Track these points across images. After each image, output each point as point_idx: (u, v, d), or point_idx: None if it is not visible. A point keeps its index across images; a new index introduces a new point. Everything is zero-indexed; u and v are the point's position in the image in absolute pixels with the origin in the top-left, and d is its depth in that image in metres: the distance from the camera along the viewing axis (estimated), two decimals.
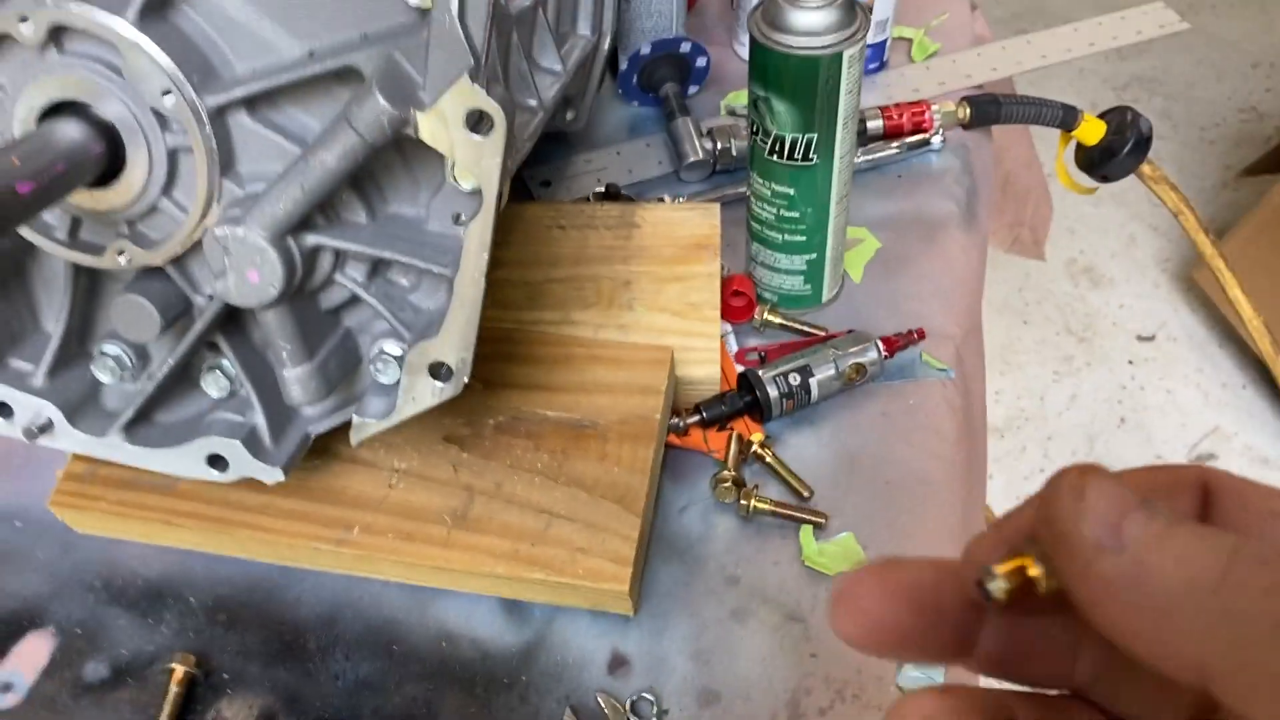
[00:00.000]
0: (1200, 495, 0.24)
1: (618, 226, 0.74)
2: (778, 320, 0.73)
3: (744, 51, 0.96)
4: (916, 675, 0.56)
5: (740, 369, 0.69)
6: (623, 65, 0.89)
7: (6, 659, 0.57)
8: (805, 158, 0.66)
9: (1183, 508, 0.24)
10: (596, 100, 0.85)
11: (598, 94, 0.83)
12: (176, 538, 0.61)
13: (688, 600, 0.60)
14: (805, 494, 0.64)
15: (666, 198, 0.82)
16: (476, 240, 0.47)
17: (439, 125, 0.44)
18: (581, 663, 0.57)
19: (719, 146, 0.84)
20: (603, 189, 0.82)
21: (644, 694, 0.55)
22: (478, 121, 0.43)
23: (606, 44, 0.77)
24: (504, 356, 0.65)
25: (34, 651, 0.58)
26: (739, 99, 0.91)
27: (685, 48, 0.88)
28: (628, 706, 0.55)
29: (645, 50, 0.87)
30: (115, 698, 0.56)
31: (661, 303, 0.69)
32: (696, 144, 0.84)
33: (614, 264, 0.71)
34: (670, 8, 0.88)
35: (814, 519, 0.62)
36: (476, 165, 0.45)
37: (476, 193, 0.47)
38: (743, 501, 0.63)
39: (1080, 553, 0.21)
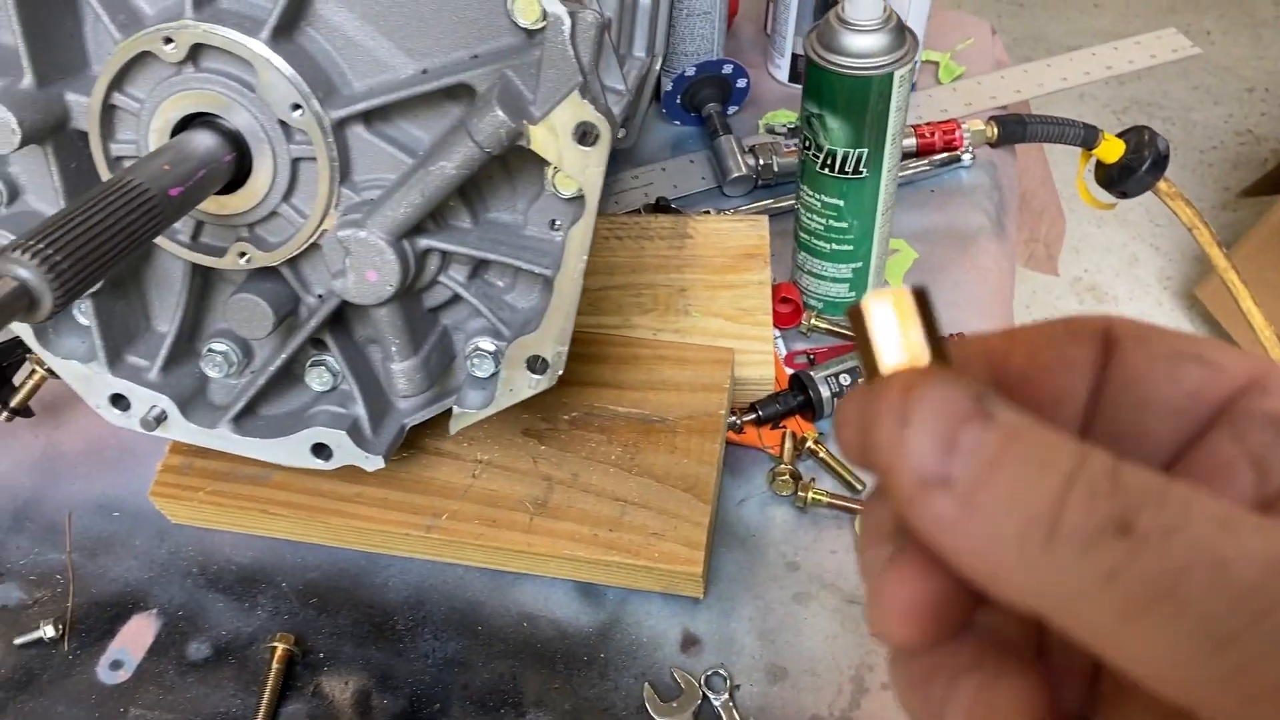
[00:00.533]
0: (1102, 344, 0.23)
1: (671, 237, 0.78)
2: (824, 325, 0.78)
3: (779, 73, 1.01)
4: None
5: (790, 371, 0.74)
6: (667, 86, 0.94)
7: (115, 639, 0.61)
8: (855, 171, 0.70)
9: (1083, 358, 0.23)
10: (643, 120, 0.89)
11: (645, 114, 0.87)
12: (271, 526, 0.64)
13: (752, 584, 0.64)
14: (858, 486, 0.68)
15: (711, 211, 0.86)
16: (578, 242, 0.51)
17: (549, 137, 0.48)
18: (655, 642, 0.61)
19: (760, 162, 0.88)
20: (652, 203, 0.86)
21: (717, 670, 0.59)
22: (584, 133, 0.48)
23: (659, 65, 0.82)
24: (574, 356, 0.68)
25: (140, 631, 0.61)
26: (777, 118, 0.96)
27: (727, 69, 0.93)
28: (702, 681, 0.59)
29: (689, 72, 0.92)
30: (219, 675, 0.59)
31: (715, 308, 0.73)
32: (740, 160, 0.88)
33: (669, 272, 0.76)
34: (712, 32, 0.93)
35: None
36: (581, 173, 0.49)
37: (575, 199, 0.51)
38: (800, 493, 0.67)
39: (904, 488, 0.19)
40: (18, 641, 0.60)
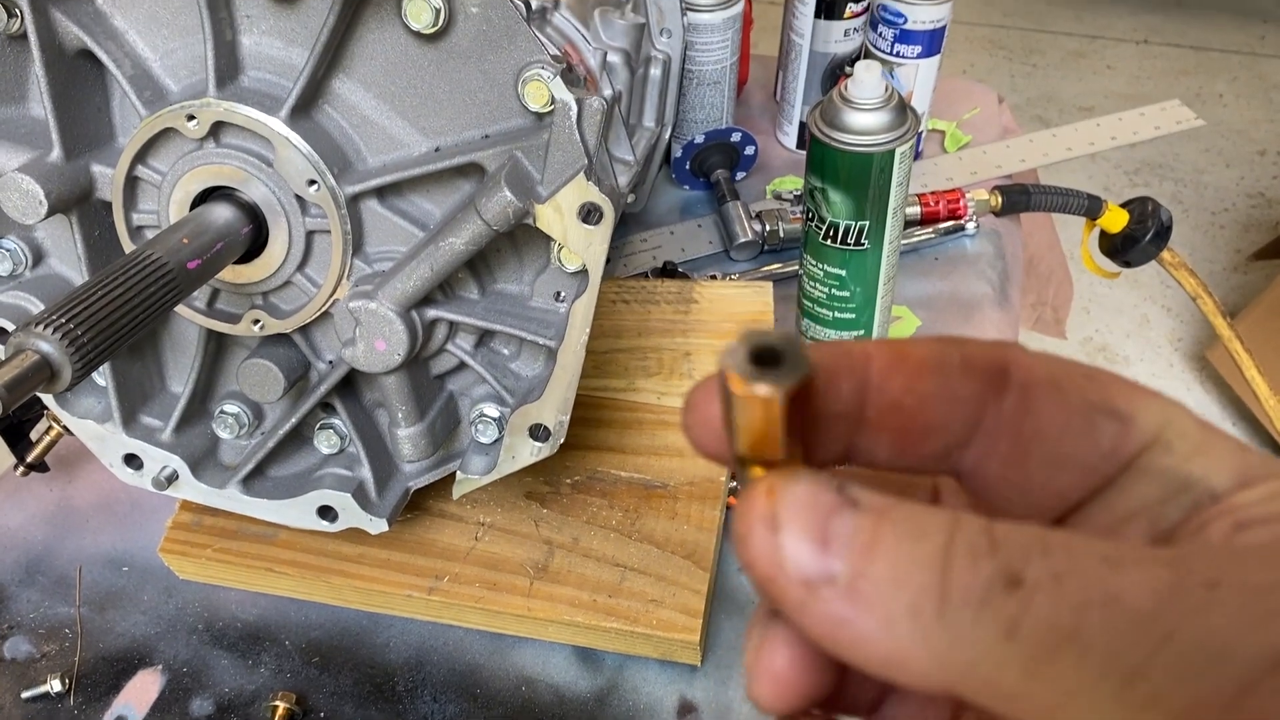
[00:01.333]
0: (995, 381, 0.22)
1: (677, 302, 0.79)
2: None
3: (787, 140, 1.03)
4: None
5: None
6: (677, 153, 0.96)
7: (120, 694, 0.62)
8: (858, 243, 0.71)
9: (969, 395, 0.22)
10: (653, 185, 0.91)
11: (655, 179, 0.89)
12: (276, 585, 0.65)
13: None
14: None
15: (718, 275, 0.88)
16: (581, 316, 0.52)
17: (555, 216, 0.49)
18: (652, 708, 0.61)
19: (767, 228, 0.90)
20: (659, 266, 0.88)
21: None
22: (588, 213, 0.49)
23: (668, 134, 0.84)
24: (578, 420, 0.70)
25: (144, 688, 0.62)
26: (784, 184, 0.97)
27: (735, 137, 0.95)
28: None
29: (699, 139, 0.94)
30: None
31: None
32: (746, 226, 0.90)
33: (674, 336, 0.77)
34: (721, 101, 0.95)
35: None
36: (585, 250, 0.50)
37: (580, 273, 0.53)
38: None
39: (790, 596, 0.19)
40: (25, 695, 0.61)
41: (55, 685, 0.61)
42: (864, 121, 0.67)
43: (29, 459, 0.67)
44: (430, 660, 0.64)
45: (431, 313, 0.53)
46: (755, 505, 0.20)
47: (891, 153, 0.67)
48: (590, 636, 0.62)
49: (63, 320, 0.40)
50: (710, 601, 0.63)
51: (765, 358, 0.20)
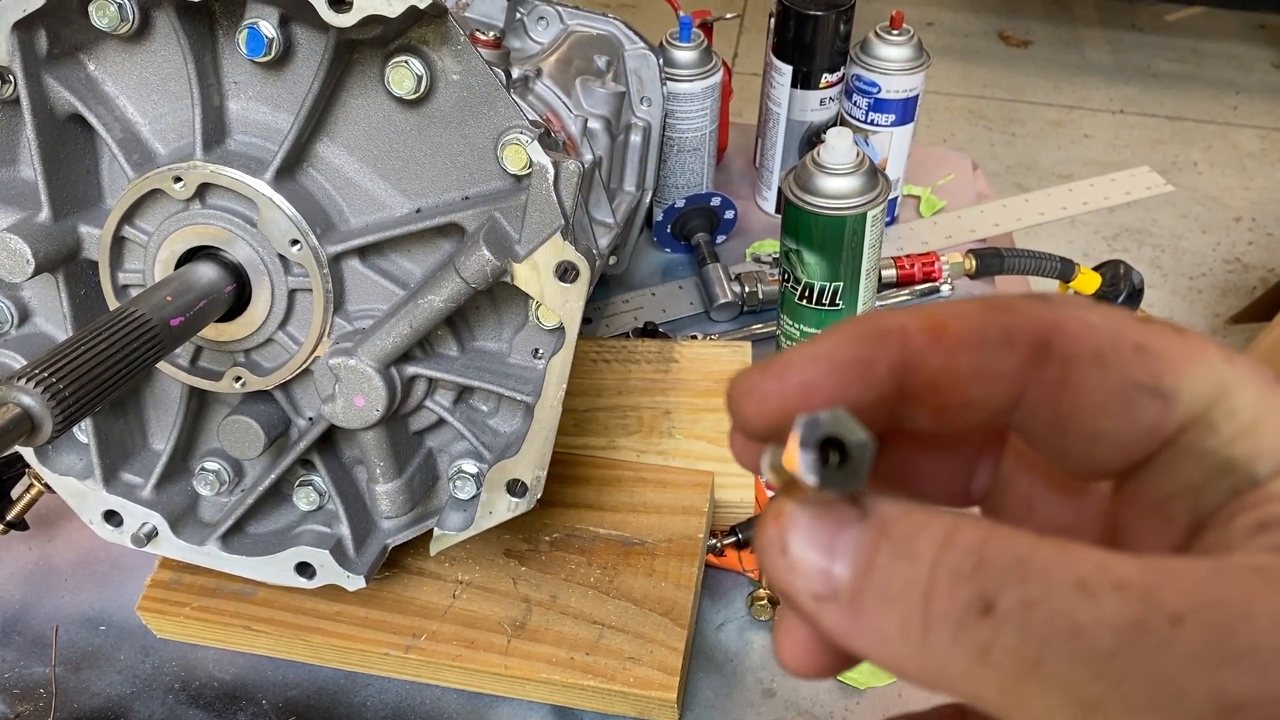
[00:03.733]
0: (1039, 352, 0.22)
1: (657, 361, 0.81)
2: None
3: (766, 205, 1.05)
4: None
5: (771, 494, 0.75)
6: (658, 216, 0.97)
7: None
8: (832, 303, 0.73)
9: (1011, 369, 0.22)
10: (634, 247, 0.93)
11: (636, 242, 0.91)
12: (254, 643, 0.65)
13: (728, 711, 0.64)
14: None
15: (699, 335, 0.89)
16: (558, 372, 0.53)
17: (532, 274, 0.51)
18: None
19: (746, 290, 0.91)
20: (641, 326, 0.89)
21: None
22: (565, 271, 0.51)
23: (649, 198, 0.86)
24: (557, 478, 0.71)
25: None
26: (763, 247, 0.99)
27: (715, 201, 0.97)
28: None
29: (679, 204, 0.96)
30: None
31: (699, 431, 0.75)
32: (726, 287, 0.91)
33: (654, 395, 0.78)
34: (701, 166, 0.97)
35: None
36: (562, 307, 0.52)
37: (557, 330, 0.54)
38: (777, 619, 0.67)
39: (802, 606, 0.20)
40: None
41: None
42: (836, 186, 0.69)
43: (9, 517, 0.67)
44: (407, 719, 0.63)
45: (411, 369, 0.54)
46: (767, 529, 0.21)
47: (863, 216, 0.69)
48: (568, 695, 0.62)
49: (45, 374, 0.41)
50: (688, 659, 0.63)
51: (826, 445, 0.20)
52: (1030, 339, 0.22)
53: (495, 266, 0.50)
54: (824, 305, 0.73)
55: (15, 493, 0.69)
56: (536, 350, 0.56)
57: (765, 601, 0.68)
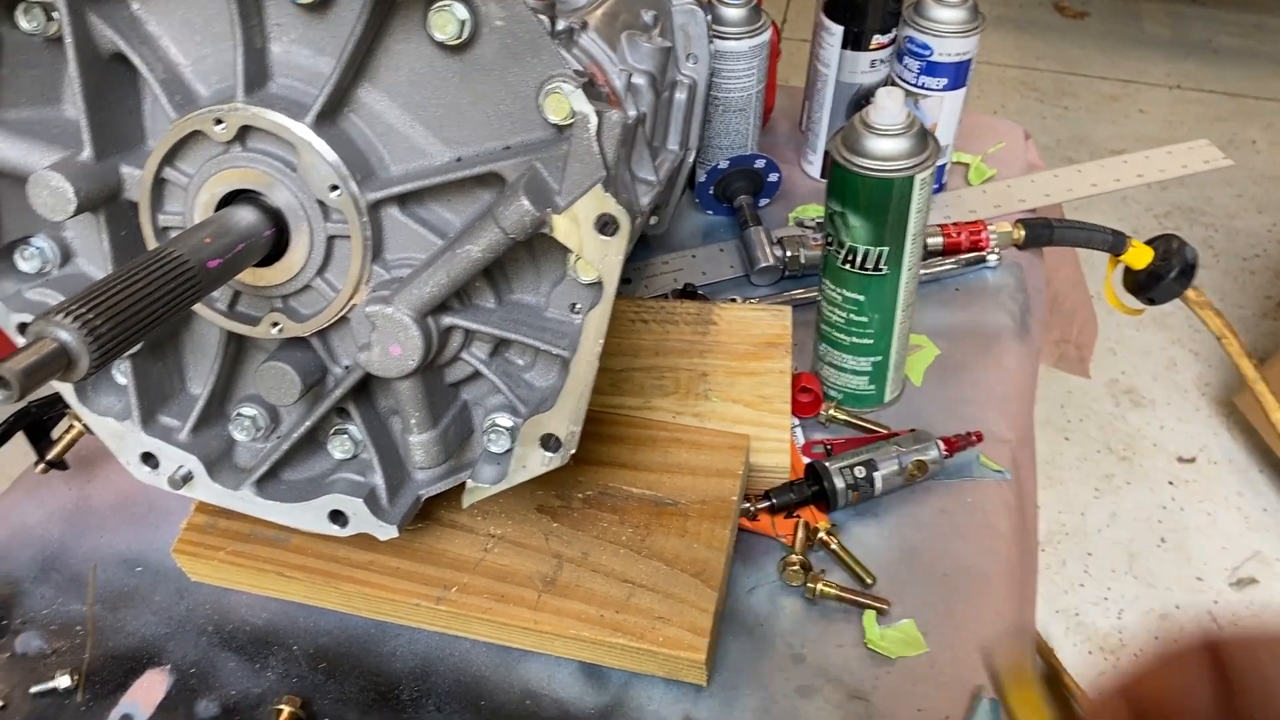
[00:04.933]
0: (1212, 660, 0.25)
1: (695, 323, 0.80)
2: (842, 417, 0.78)
3: (810, 169, 1.04)
4: None
5: (806, 460, 0.74)
6: (700, 177, 0.96)
7: (127, 693, 0.62)
8: (876, 268, 0.71)
9: (1204, 687, 0.25)
10: (676, 208, 0.92)
11: (678, 203, 0.90)
12: (286, 589, 0.66)
13: (756, 674, 0.64)
14: (868, 581, 0.68)
15: (737, 299, 0.88)
16: (595, 326, 0.52)
17: (571, 226, 0.50)
18: None
19: (788, 254, 0.90)
20: (680, 288, 0.88)
21: None
22: (605, 224, 0.50)
23: (692, 157, 0.84)
24: (591, 436, 0.70)
25: (151, 687, 0.62)
26: (806, 212, 0.98)
27: (760, 164, 0.95)
28: None
29: (723, 165, 0.95)
30: None
31: (735, 394, 0.74)
32: (768, 251, 0.90)
33: (691, 357, 0.77)
34: (747, 127, 0.96)
35: (877, 605, 0.66)
36: (601, 261, 0.51)
37: (595, 285, 0.53)
38: (809, 585, 0.67)
39: None
40: (33, 690, 0.62)
41: (64, 681, 0.61)
42: (885, 147, 0.67)
43: (49, 456, 0.68)
44: (436, 670, 0.64)
45: (447, 320, 0.54)
46: None
47: (911, 179, 0.67)
48: (597, 652, 0.62)
49: (83, 310, 0.41)
50: (718, 621, 0.63)
51: None
52: (1199, 658, 0.26)
53: (534, 217, 0.49)
54: (868, 270, 0.71)
55: (55, 433, 0.70)
56: (574, 305, 0.56)
57: (797, 567, 0.67)
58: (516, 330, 0.55)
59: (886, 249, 0.70)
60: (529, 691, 0.63)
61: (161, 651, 0.64)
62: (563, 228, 0.50)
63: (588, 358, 0.53)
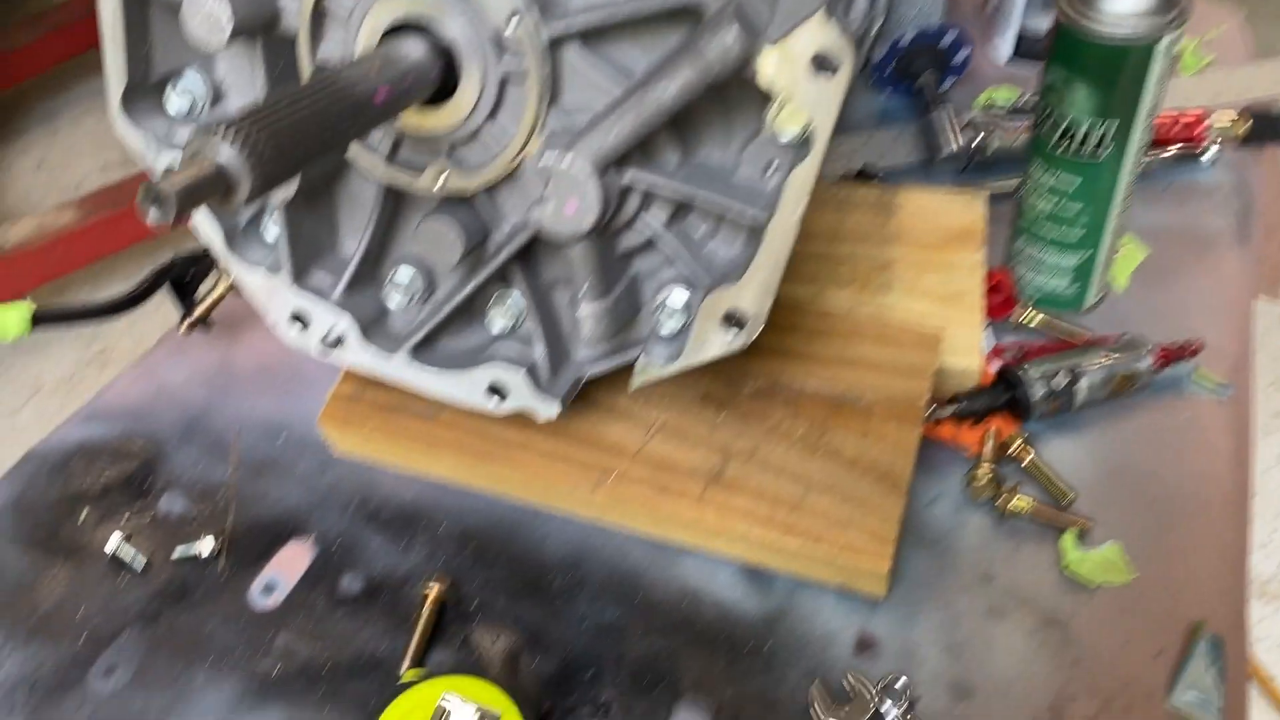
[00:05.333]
0: None
1: (876, 208, 0.72)
2: (1038, 320, 0.70)
3: (1000, 51, 0.94)
4: (1191, 698, 0.52)
5: (996, 367, 0.67)
6: (879, 53, 0.87)
7: (270, 562, 0.59)
8: (1096, 149, 0.63)
9: None
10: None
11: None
12: (434, 465, 0.62)
13: (939, 591, 0.58)
14: (1067, 499, 0.61)
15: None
16: (799, 185, 0.46)
17: (783, 63, 0.43)
18: (827, 639, 0.56)
19: (978, 140, 0.81)
20: (856, 170, 0.80)
21: (897, 677, 0.53)
22: (823, 62, 0.43)
23: (879, 23, 0.76)
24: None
25: (295, 558, 0.60)
26: (997, 94, 0.88)
27: (948, 40, 0.86)
28: (877, 688, 0.53)
29: (905, 39, 0.86)
30: (369, 611, 0.57)
31: (921, 288, 0.67)
32: (954, 135, 0.81)
33: (871, 245, 0.70)
34: None
35: (1078, 525, 0.59)
36: (815, 107, 0.44)
37: (796, 144, 0.46)
38: (1000, 500, 0.60)
39: None
40: (176, 554, 0.59)
41: (207, 546, 0.59)
42: (1125, 4, 0.58)
43: (193, 316, 0.65)
44: (589, 561, 0.59)
45: (629, 175, 0.48)
46: None
47: (1154, 45, 0.58)
48: (765, 554, 0.57)
49: (246, 129, 0.36)
50: (901, 531, 0.57)
51: None
52: None
53: (742, 47, 0.42)
54: (1085, 154, 0.63)
55: (200, 294, 0.67)
56: (769, 165, 0.49)
57: (987, 480, 0.60)
58: (703, 187, 0.48)
59: (1114, 124, 0.61)
60: (688, 590, 0.58)
61: (305, 523, 0.62)
62: (771, 65, 0.43)
63: (787, 223, 0.47)
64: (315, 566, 0.59)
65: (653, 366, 0.53)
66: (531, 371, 0.54)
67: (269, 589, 0.58)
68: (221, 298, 0.66)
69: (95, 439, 0.67)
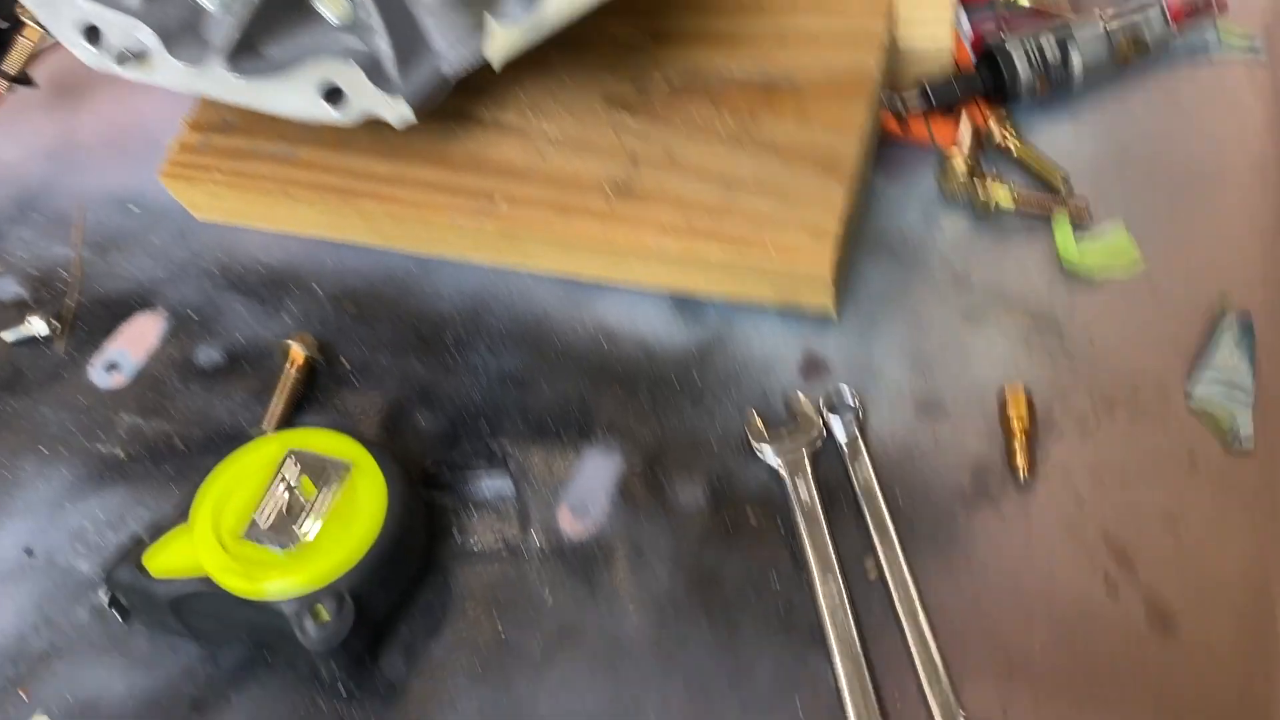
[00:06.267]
0: None
1: None
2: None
3: None
4: (1216, 390, 0.42)
5: (974, 57, 0.55)
6: None
7: (114, 338, 0.51)
8: None
9: None
10: None
11: None
12: (297, 217, 0.52)
13: (904, 300, 0.48)
14: (1060, 185, 0.50)
15: None
16: None
17: None
18: (766, 365, 0.46)
19: None
20: None
21: (840, 385, 0.44)
22: None
23: None
24: (677, 3, 0.52)
25: (143, 333, 0.51)
26: None
27: None
28: (820, 403, 0.44)
29: None
30: (228, 383, 0.49)
31: None
32: None
33: None
34: None
35: (1070, 210, 0.48)
36: None
37: None
38: (980, 195, 0.49)
39: None
40: (9, 338, 0.51)
41: (42, 328, 0.50)
42: None
43: (7, 69, 0.55)
44: (489, 309, 0.50)
45: None
46: None
47: None
48: (685, 273, 0.47)
49: None
50: (848, 232, 0.46)
51: None
52: None
53: None
54: None
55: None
56: None
57: (962, 172, 0.50)
58: None
59: None
60: (605, 330, 0.49)
61: (157, 294, 0.52)
62: None
63: None
64: (166, 339, 0.51)
65: (514, 27, 0.42)
66: (373, 66, 0.44)
67: (112, 366, 0.50)
68: (36, 48, 0.56)
69: None
